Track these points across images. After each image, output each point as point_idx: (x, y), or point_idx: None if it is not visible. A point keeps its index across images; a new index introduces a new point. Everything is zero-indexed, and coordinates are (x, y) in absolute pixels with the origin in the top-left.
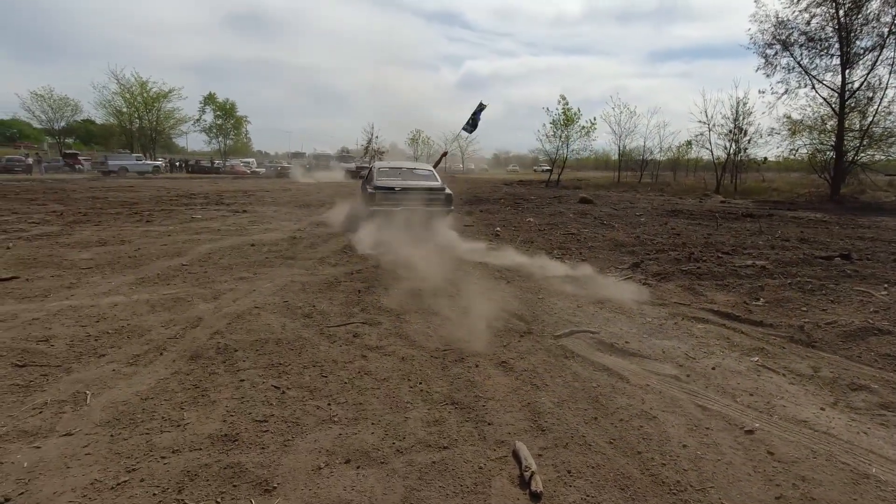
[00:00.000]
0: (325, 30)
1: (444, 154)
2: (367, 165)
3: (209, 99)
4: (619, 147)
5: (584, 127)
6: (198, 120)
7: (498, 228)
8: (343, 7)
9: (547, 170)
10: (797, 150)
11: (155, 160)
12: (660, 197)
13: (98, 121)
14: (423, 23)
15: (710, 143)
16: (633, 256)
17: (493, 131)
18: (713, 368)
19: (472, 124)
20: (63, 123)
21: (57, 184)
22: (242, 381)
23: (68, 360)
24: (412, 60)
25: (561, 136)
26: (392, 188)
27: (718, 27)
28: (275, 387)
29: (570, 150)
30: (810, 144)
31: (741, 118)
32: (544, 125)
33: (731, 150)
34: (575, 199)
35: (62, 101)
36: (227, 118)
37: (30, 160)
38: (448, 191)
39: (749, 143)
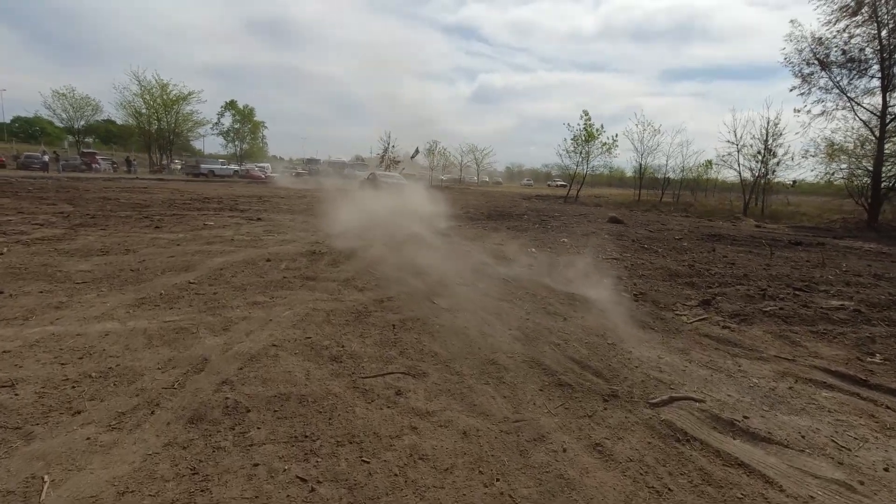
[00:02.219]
0: (344, 39)
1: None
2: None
3: (230, 105)
4: (640, 165)
5: (605, 143)
6: (216, 123)
7: (532, 249)
8: (363, 17)
9: (561, 185)
10: (833, 174)
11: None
12: (687, 218)
13: (118, 121)
14: (442, 36)
15: (739, 164)
16: (695, 290)
17: (506, 145)
18: (886, 469)
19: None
20: (83, 122)
21: (71, 182)
22: (257, 465)
23: (32, 419)
24: (429, 72)
25: (581, 152)
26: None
27: (735, 49)
28: (300, 479)
29: (589, 166)
30: (847, 168)
31: (771, 139)
32: (565, 140)
33: (759, 172)
34: (602, 218)
35: (83, 101)
36: (244, 122)
37: (46, 157)
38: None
39: (778, 165)
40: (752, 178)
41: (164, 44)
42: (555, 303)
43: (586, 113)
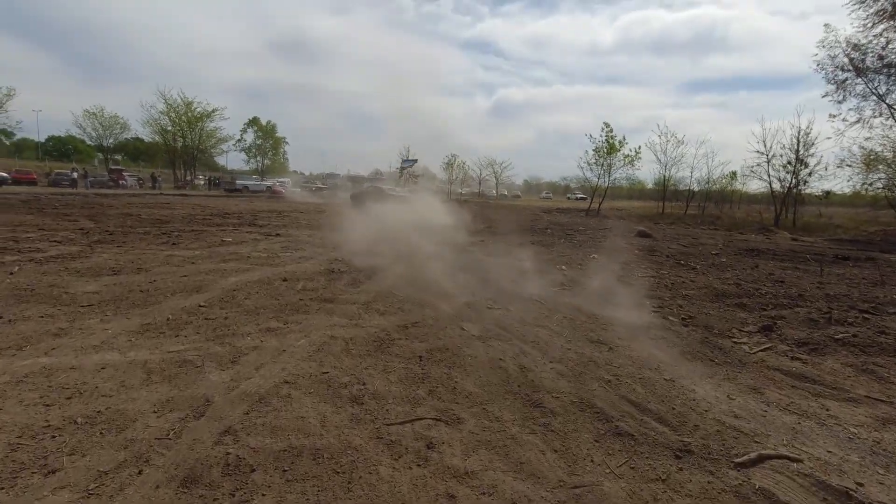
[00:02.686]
0: (362, 56)
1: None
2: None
3: (253, 122)
4: (664, 176)
5: (627, 156)
6: (239, 140)
7: (563, 267)
8: (381, 35)
9: (581, 198)
10: (871, 185)
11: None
12: (717, 231)
13: (145, 139)
14: (459, 51)
15: (769, 175)
16: (748, 313)
17: (524, 158)
18: None
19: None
20: (111, 140)
21: (96, 199)
22: None
23: None
24: (447, 87)
25: (603, 165)
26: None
27: (755, 59)
28: None
29: (611, 178)
30: (886, 178)
31: (802, 149)
32: (586, 152)
33: (791, 183)
34: (629, 232)
35: (112, 120)
36: (266, 138)
37: (75, 175)
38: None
39: (810, 175)
40: (782, 190)
41: (193, 64)
42: (596, 328)
43: (608, 125)
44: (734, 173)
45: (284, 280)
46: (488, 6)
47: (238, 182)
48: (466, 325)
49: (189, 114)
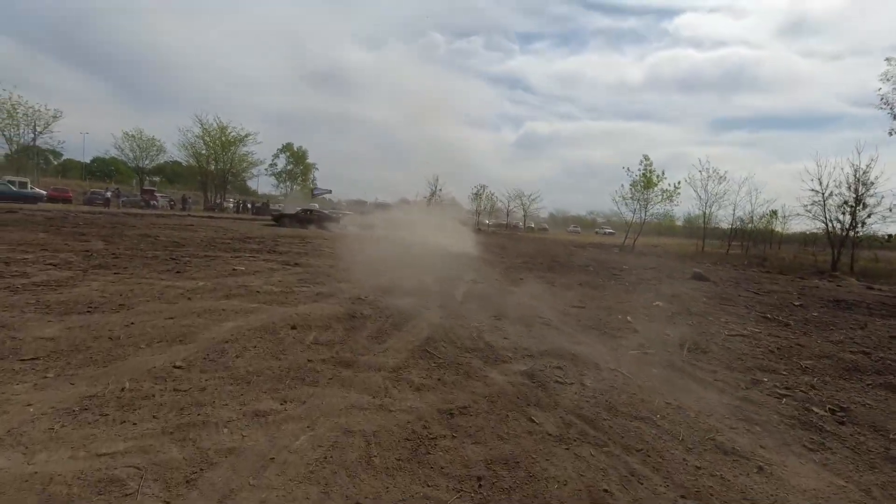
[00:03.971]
0: (393, 88)
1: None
2: None
3: (286, 148)
4: (704, 214)
5: (665, 190)
6: (271, 164)
7: (628, 318)
8: (412, 67)
9: (609, 232)
10: None
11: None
12: (769, 273)
13: (182, 162)
14: (488, 85)
15: (826, 215)
16: None
17: (550, 191)
18: None
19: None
20: (148, 162)
21: (123, 218)
22: None
23: None
24: (475, 119)
25: (639, 199)
26: None
27: (786, 98)
28: None
29: (648, 214)
30: None
31: (861, 189)
32: (622, 186)
33: (848, 224)
34: (679, 272)
35: (149, 142)
36: (297, 164)
37: (108, 194)
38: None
39: (869, 216)
40: (838, 231)
41: (230, 92)
42: (723, 428)
43: (647, 157)
44: (774, 212)
45: (293, 328)
46: (518, 44)
47: (276, 207)
48: (535, 413)
49: (223, 138)
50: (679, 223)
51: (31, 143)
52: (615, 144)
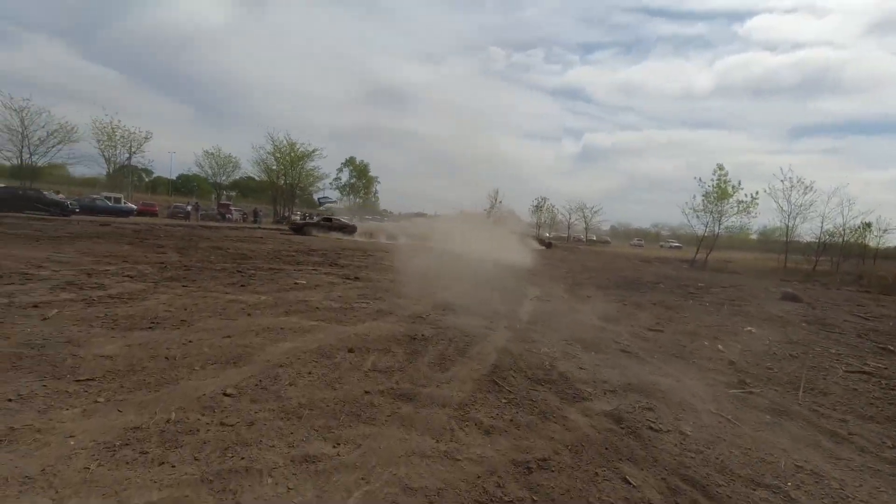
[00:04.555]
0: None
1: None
2: None
3: (349, 162)
4: (787, 227)
5: (741, 201)
6: (336, 178)
7: (719, 346)
8: (471, 82)
9: (675, 246)
10: None
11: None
12: (869, 293)
13: (256, 177)
14: (547, 98)
15: None
16: None
17: (611, 203)
18: None
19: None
20: (224, 178)
21: (199, 231)
22: None
23: None
24: (533, 132)
25: (713, 212)
26: None
27: (874, 100)
28: None
29: (722, 227)
30: None
31: None
32: (693, 197)
33: None
34: (765, 292)
35: (226, 159)
36: (360, 177)
37: (189, 208)
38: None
39: None
40: None
41: (297, 111)
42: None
43: (721, 167)
44: (868, 224)
45: (350, 351)
46: (578, 54)
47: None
48: (630, 470)
49: (292, 153)
50: (753, 236)
51: (127, 162)
52: (680, 154)
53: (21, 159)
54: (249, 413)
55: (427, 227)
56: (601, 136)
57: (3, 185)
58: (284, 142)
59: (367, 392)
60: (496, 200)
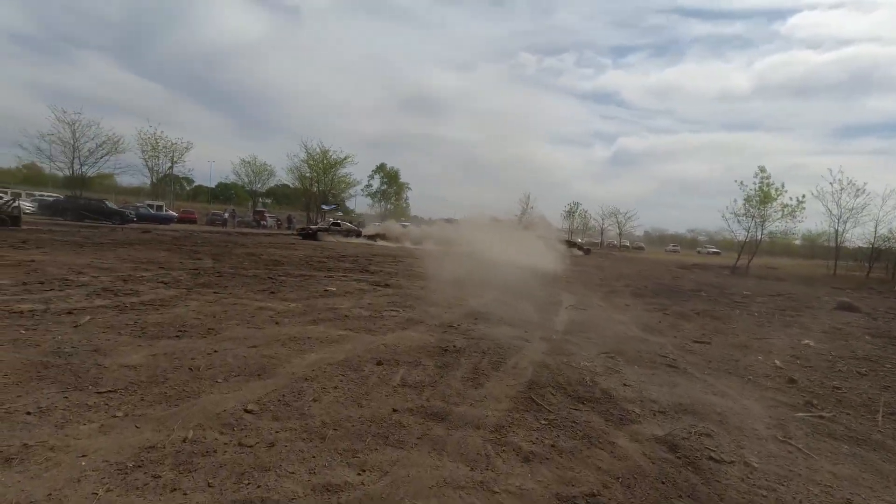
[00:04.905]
0: (483, 108)
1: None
2: None
3: (380, 168)
4: (837, 232)
5: (786, 205)
6: (367, 185)
7: (776, 361)
8: (501, 88)
9: (713, 252)
10: None
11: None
12: None
13: (290, 185)
14: (577, 102)
15: None
16: None
17: (645, 208)
18: None
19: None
20: (260, 185)
21: (234, 237)
22: None
23: None
24: (564, 137)
25: (755, 216)
26: None
27: None
28: None
29: (765, 232)
30: None
31: None
32: (734, 201)
33: None
34: (818, 300)
35: (262, 167)
36: (391, 184)
37: (226, 215)
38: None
39: None
40: None
41: (331, 119)
42: None
43: (763, 169)
44: None
45: (378, 364)
46: (610, 58)
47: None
48: None
49: (325, 161)
50: (796, 242)
51: (169, 172)
52: (718, 157)
53: (72, 170)
54: (270, 432)
55: (453, 233)
56: (634, 140)
57: (69, 195)
58: (317, 149)
59: (395, 410)
60: (527, 205)
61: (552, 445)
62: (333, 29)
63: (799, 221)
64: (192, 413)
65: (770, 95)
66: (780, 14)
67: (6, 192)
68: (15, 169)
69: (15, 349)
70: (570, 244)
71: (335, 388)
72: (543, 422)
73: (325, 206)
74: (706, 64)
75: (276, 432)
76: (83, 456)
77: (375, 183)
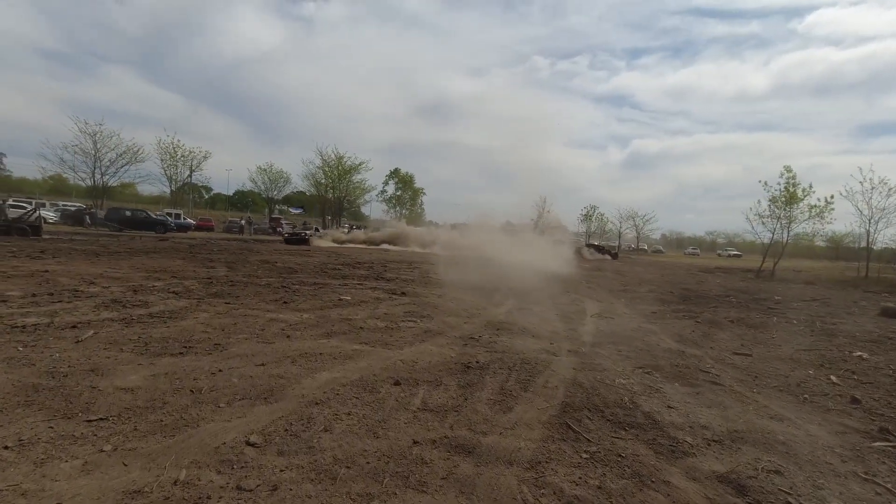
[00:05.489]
0: (496, 113)
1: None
2: None
3: (394, 173)
4: (868, 232)
5: (814, 206)
6: (382, 191)
7: (833, 378)
8: (515, 93)
9: (735, 254)
10: None
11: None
12: None
13: (306, 192)
14: (592, 105)
15: None
16: None
17: (662, 211)
18: None
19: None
20: (276, 192)
21: (250, 245)
22: None
23: None
24: (578, 140)
25: (780, 218)
26: None
27: None
28: None
29: (791, 234)
30: None
31: None
32: (758, 202)
33: None
34: (855, 306)
35: (278, 174)
36: (405, 189)
37: (243, 222)
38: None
39: None
40: None
41: (346, 126)
42: None
43: (789, 169)
44: None
45: (396, 384)
46: (624, 60)
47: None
48: None
49: (340, 167)
50: (820, 243)
51: (187, 180)
52: (735, 159)
53: (94, 180)
54: (274, 471)
55: (466, 237)
56: (649, 142)
57: (112, 207)
58: (332, 155)
59: (416, 442)
60: (544, 209)
61: (598, 487)
62: (346, 37)
63: (827, 223)
64: (188, 447)
65: (789, 95)
66: (798, 12)
67: (31, 203)
68: (42, 180)
69: (8, 369)
70: (597, 248)
71: (348, 413)
72: (584, 455)
73: (293, 209)
74: (722, 64)
75: (281, 471)
76: None
77: (390, 188)
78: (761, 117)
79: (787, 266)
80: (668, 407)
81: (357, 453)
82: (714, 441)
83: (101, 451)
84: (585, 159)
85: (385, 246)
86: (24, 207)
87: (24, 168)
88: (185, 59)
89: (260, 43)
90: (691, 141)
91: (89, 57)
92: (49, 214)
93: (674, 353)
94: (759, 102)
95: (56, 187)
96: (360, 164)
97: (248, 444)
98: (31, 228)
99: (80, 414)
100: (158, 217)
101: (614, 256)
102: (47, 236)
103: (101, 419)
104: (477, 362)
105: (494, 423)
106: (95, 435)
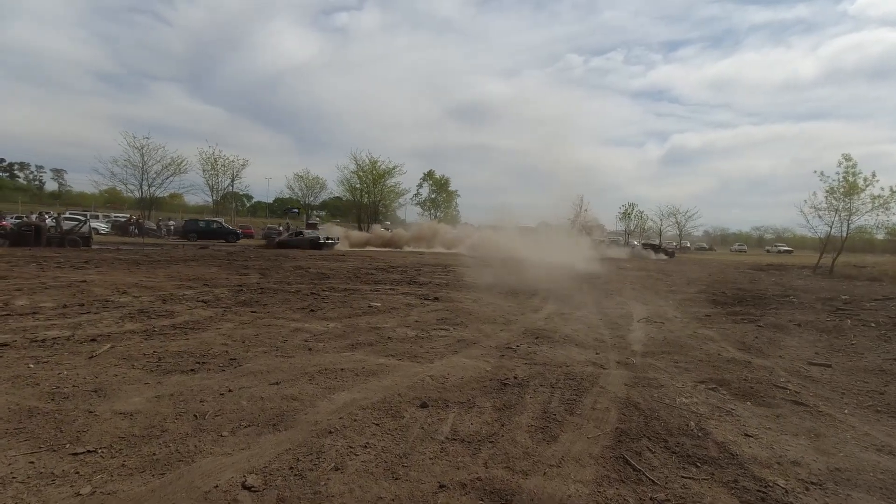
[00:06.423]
0: (531, 114)
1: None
2: None
3: (428, 175)
4: None
5: (877, 196)
6: (416, 194)
7: None
8: (549, 92)
9: (786, 250)
10: None
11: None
12: None
13: (342, 197)
14: (629, 101)
15: None
16: None
17: (704, 208)
18: None
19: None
20: (313, 199)
21: (286, 251)
22: None
23: None
24: (615, 138)
25: (839, 210)
26: None
27: None
28: None
29: (852, 227)
30: None
31: None
32: (814, 194)
33: None
34: None
35: (314, 181)
36: (440, 192)
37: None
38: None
39: None
40: None
41: (381, 133)
42: None
43: (848, 157)
44: None
45: (423, 406)
46: (661, 53)
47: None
48: None
49: (374, 171)
50: (879, 236)
51: (229, 189)
52: (783, 150)
53: (141, 191)
54: None
55: (499, 236)
56: (690, 136)
57: (188, 219)
58: (366, 160)
59: (442, 486)
60: (581, 208)
61: None
62: (380, 45)
63: (894, 214)
64: (175, 490)
65: (841, 80)
66: None
67: (85, 216)
68: (98, 193)
69: (11, 389)
70: (653, 248)
71: (365, 446)
72: (645, 491)
73: (290, 211)
74: (766, 52)
75: None
76: None
77: (424, 191)
78: (811, 105)
79: (847, 261)
80: (746, 435)
81: (371, 501)
82: (813, 484)
83: (78, 494)
84: (622, 158)
85: (407, 249)
86: (78, 220)
87: (82, 183)
88: (226, 74)
89: (296, 55)
90: (734, 134)
91: (139, 77)
92: (100, 225)
93: (739, 363)
94: (809, 90)
95: (111, 200)
96: (393, 168)
97: (245, 486)
98: (81, 239)
99: (67, 445)
100: (229, 228)
101: (670, 255)
102: (96, 246)
103: (88, 451)
104: (515, 378)
105: (537, 459)
106: (77, 472)
